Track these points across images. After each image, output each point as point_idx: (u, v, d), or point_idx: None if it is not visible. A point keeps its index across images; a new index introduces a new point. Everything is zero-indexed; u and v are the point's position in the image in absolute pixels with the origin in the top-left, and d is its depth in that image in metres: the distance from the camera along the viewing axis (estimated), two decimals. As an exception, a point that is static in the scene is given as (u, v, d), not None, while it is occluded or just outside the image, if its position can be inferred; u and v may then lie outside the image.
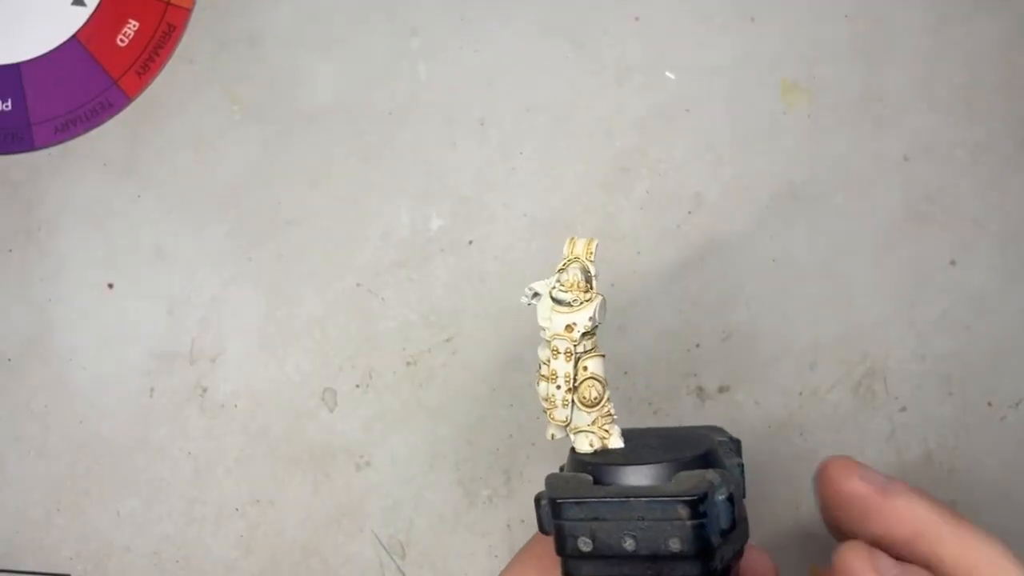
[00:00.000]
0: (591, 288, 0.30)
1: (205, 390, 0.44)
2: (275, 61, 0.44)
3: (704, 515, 0.25)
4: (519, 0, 0.44)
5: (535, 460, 0.43)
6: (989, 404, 0.44)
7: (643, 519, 0.25)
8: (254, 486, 0.43)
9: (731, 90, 0.44)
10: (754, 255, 0.44)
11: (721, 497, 0.26)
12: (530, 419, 0.43)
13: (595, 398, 0.30)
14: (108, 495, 0.43)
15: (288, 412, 0.44)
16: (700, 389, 0.43)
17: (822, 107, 0.44)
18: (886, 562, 0.29)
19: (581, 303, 0.30)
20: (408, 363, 0.44)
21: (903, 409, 0.44)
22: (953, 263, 0.44)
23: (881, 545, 0.30)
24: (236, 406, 0.44)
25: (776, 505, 0.43)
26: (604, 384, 0.30)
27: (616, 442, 0.30)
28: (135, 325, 0.44)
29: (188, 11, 0.44)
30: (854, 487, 0.30)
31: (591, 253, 0.30)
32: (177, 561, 0.43)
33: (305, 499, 0.43)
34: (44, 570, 0.43)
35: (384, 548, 0.43)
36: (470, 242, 0.44)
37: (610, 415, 0.30)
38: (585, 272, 0.30)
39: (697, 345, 0.43)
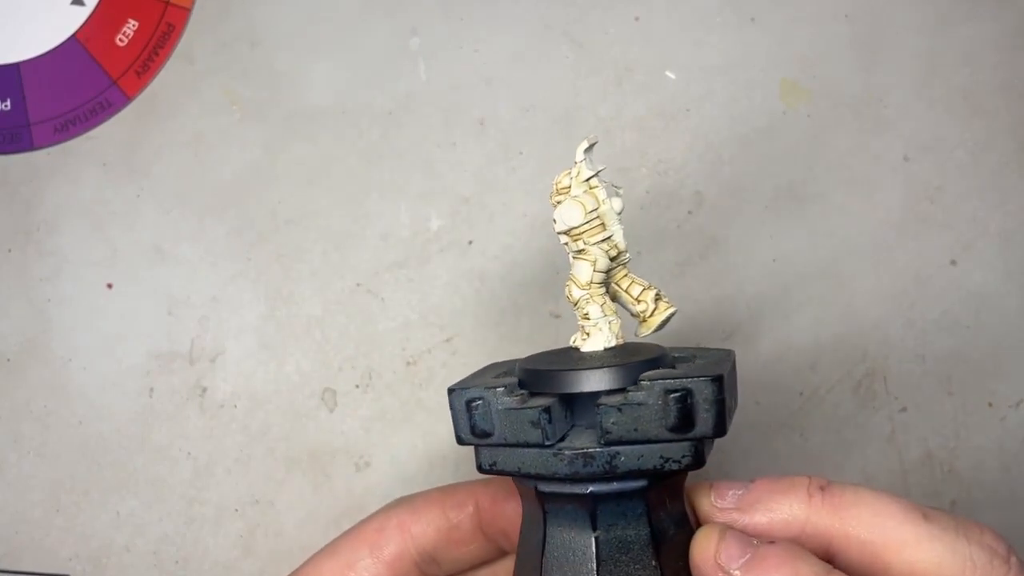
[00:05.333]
0: (567, 191, 0.30)
1: (205, 390, 0.43)
2: (275, 61, 0.44)
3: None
4: (519, 0, 0.44)
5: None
6: (989, 404, 0.44)
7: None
8: (254, 486, 0.43)
9: (731, 90, 0.44)
10: (754, 255, 0.44)
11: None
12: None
13: (572, 299, 0.30)
14: (108, 495, 0.43)
15: (288, 412, 0.44)
16: (700, 389, 0.43)
17: (822, 107, 0.44)
18: (734, 552, 0.27)
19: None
20: (408, 363, 0.44)
21: (903, 409, 0.44)
22: (953, 263, 0.44)
23: None
24: (236, 406, 0.43)
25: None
26: (583, 287, 0.30)
27: (590, 346, 0.30)
28: (135, 325, 0.43)
29: (188, 11, 0.44)
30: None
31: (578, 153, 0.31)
32: (177, 561, 0.43)
33: (305, 499, 0.43)
34: (44, 570, 0.43)
35: (384, 548, 0.43)
36: (470, 242, 0.44)
37: (587, 318, 0.30)
38: (568, 175, 0.30)
39: (697, 345, 0.43)
